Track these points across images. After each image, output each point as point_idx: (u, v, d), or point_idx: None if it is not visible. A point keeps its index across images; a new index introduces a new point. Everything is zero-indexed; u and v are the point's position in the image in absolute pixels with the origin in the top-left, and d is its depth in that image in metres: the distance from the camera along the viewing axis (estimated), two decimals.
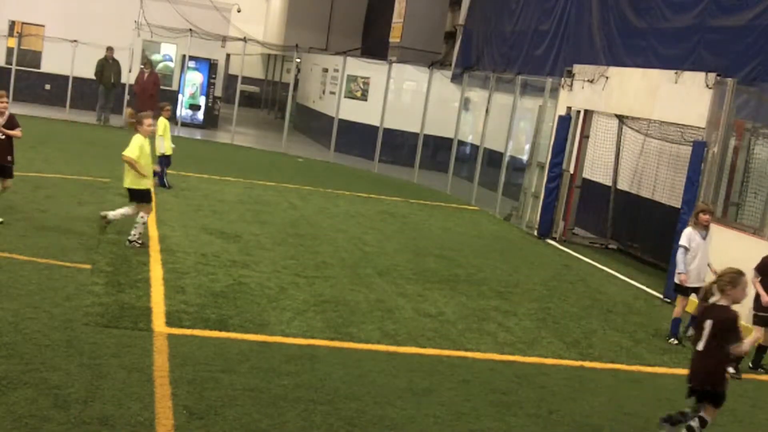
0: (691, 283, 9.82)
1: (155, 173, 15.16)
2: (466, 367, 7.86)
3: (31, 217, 11.27)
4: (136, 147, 10.28)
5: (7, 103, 10.50)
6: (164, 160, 15.14)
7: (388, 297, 9.90)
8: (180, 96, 26.74)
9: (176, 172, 16.95)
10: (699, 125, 12.06)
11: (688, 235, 9.91)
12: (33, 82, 26.28)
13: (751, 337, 8.89)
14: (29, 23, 26.32)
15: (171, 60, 27.63)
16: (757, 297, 9.01)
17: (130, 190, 10.53)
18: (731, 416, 7.61)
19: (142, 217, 10.55)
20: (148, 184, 10.57)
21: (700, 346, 6.53)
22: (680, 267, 9.85)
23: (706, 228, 9.99)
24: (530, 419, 6.82)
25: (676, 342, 9.79)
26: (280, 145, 24.49)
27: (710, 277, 9.90)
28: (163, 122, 15.18)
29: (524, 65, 20.07)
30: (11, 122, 10.55)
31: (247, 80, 33.01)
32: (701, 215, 9.94)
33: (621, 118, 15.28)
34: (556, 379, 7.92)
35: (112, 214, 10.59)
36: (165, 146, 15.13)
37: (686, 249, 9.86)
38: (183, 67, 26.77)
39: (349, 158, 24.09)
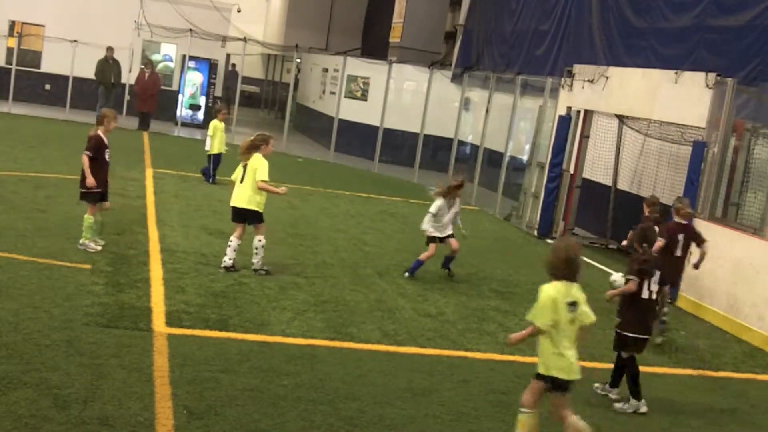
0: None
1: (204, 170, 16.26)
2: (466, 367, 7.86)
3: (31, 217, 11.27)
4: (266, 169, 9.92)
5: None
6: (215, 159, 16.34)
7: (388, 297, 9.90)
8: (180, 96, 26.73)
9: (176, 171, 16.96)
10: (699, 125, 12.06)
11: (438, 205, 10.94)
12: (33, 82, 26.26)
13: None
14: (29, 23, 26.30)
15: (171, 60, 27.63)
16: None
17: (250, 211, 9.92)
18: (731, 416, 7.62)
19: (260, 240, 10.01)
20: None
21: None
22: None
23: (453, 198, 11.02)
24: None
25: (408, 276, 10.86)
26: (280, 145, 24.44)
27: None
28: (213, 124, 16.51)
29: (524, 65, 20.06)
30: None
31: (247, 80, 32.98)
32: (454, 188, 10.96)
33: (621, 118, 15.27)
34: None
35: (227, 261, 9.98)
36: (211, 146, 16.23)
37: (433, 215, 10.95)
38: (183, 67, 26.77)
39: (349, 158, 24.07)
